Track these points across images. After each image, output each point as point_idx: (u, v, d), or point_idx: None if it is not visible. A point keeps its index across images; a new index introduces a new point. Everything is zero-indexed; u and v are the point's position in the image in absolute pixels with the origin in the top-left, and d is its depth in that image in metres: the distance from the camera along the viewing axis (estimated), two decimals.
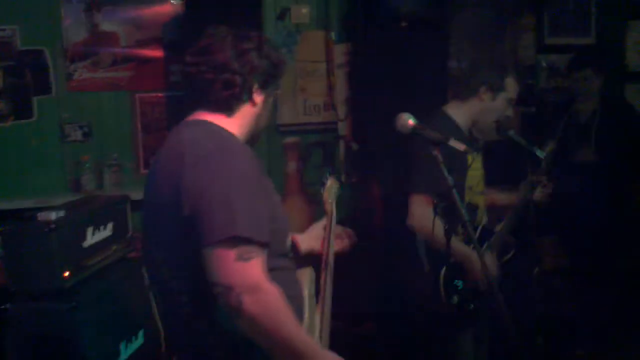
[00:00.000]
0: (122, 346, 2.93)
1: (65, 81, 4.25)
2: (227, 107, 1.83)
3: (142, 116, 4.39)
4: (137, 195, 3.81)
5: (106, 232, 3.09)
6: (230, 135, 1.82)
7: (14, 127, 4.16)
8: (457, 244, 2.78)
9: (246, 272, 1.58)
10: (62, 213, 2.79)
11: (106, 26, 4.30)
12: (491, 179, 3.22)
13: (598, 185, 4.02)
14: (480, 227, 2.96)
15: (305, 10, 4.54)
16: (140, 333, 3.09)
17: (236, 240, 1.58)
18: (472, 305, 2.79)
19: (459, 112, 2.98)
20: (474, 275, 2.76)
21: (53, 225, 2.70)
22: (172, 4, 4.35)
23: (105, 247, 3.06)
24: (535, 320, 2.80)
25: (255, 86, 1.86)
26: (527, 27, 4.87)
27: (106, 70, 4.33)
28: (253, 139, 1.95)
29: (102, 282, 2.94)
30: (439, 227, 2.65)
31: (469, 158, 2.89)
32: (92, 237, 2.96)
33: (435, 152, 2.38)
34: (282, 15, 4.49)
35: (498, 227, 3.02)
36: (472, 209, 3.01)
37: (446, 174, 2.37)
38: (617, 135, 4.03)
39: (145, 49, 4.39)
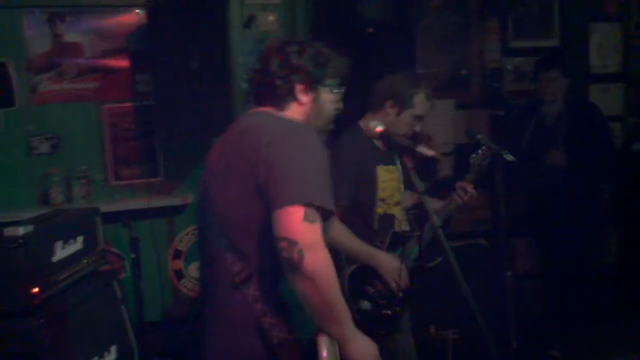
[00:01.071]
0: None
1: (30, 93, 4.17)
2: (275, 105, 2.05)
3: (110, 127, 4.33)
4: (107, 207, 3.80)
5: (76, 245, 3.05)
6: (296, 119, 2.03)
7: None
8: (363, 249, 2.86)
9: (311, 231, 1.74)
10: (30, 228, 2.74)
11: (70, 37, 4.24)
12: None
13: (567, 187, 4.08)
14: (389, 236, 2.99)
15: (272, 17, 4.52)
16: (113, 348, 3.05)
17: (306, 204, 1.75)
18: (390, 312, 2.83)
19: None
20: (387, 280, 2.86)
21: (21, 241, 2.65)
22: (136, 13, 4.31)
23: (76, 261, 3.02)
24: (509, 322, 2.82)
25: (300, 86, 2.04)
26: (492, 31, 4.93)
27: (71, 82, 4.26)
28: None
29: (73, 297, 2.89)
30: (342, 234, 2.79)
31: (378, 171, 2.95)
32: (61, 252, 2.92)
33: (404, 159, 2.40)
34: (249, 22, 4.48)
35: (417, 233, 3.06)
36: (388, 219, 3.04)
37: (416, 179, 2.39)
38: (584, 136, 4.09)
39: (110, 59, 4.33)
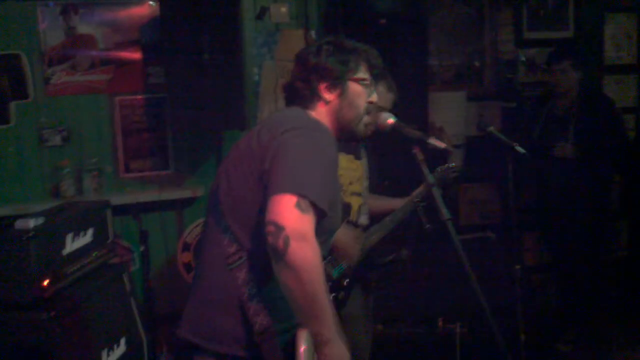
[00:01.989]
0: (103, 354, 2.91)
1: (43, 85, 4.19)
2: (302, 104, 2.07)
3: (122, 119, 4.35)
4: (117, 200, 3.82)
5: (86, 238, 3.07)
6: (317, 119, 2.03)
7: None
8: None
9: (300, 220, 1.71)
10: (40, 220, 2.76)
11: (83, 29, 4.26)
12: (472, 174, 3.23)
13: (578, 179, 4.04)
14: (345, 222, 2.95)
15: (284, 9, 4.52)
16: (122, 341, 3.07)
17: (300, 195, 1.73)
18: (334, 294, 2.84)
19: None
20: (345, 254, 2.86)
21: (31, 233, 2.68)
22: (149, 5, 4.32)
23: (86, 254, 3.04)
24: (518, 315, 2.81)
25: (322, 85, 2.05)
26: (506, 22, 4.88)
27: (84, 74, 4.28)
28: (345, 133, 2.13)
29: (83, 290, 2.92)
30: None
31: (340, 158, 2.94)
32: (72, 244, 2.94)
33: (415, 150, 2.39)
34: (261, 14, 4.47)
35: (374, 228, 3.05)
36: (344, 207, 2.98)
37: (426, 172, 2.38)
38: (596, 128, 4.05)
39: (123, 51, 4.34)
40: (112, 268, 3.25)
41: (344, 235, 2.85)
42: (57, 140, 4.20)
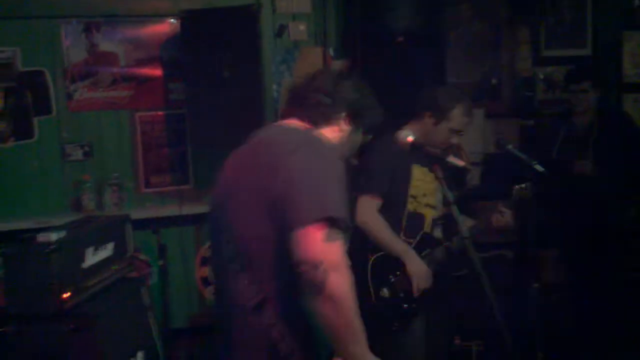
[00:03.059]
0: None
1: (66, 101, 4.27)
2: (313, 121, 2.04)
3: (142, 135, 4.40)
4: (137, 214, 3.86)
5: (106, 252, 3.10)
6: (317, 134, 2.02)
7: (15, 147, 4.18)
8: (399, 246, 3.01)
9: (333, 251, 1.71)
10: (62, 234, 2.80)
11: (105, 46, 4.33)
12: (490, 192, 3.23)
13: (597, 198, 4.02)
14: (418, 238, 3.10)
15: (303, 26, 4.56)
16: (140, 354, 3.09)
17: (326, 222, 1.71)
18: (406, 306, 2.87)
19: (413, 132, 3.03)
20: (411, 279, 2.98)
21: (53, 246, 2.71)
22: (170, 23, 4.38)
23: (106, 268, 3.07)
24: (535, 335, 2.79)
25: (344, 114, 2.06)
26: (523, 40, 4.89)
27: (106, 90, 4.35)
28: None
29: (102, 303, 2.94)
30: (383, 227, 2.98)
31: (414, 169, 3.07)
32: (92, 258, 2.97)
33: (434, 168, 2.41)
34: (280, 32, 4.52)
35: (448, 243, 3.10)
36: (417, 218, 3.11)
37: (446, 189, 2.39)
38: (616, 146, 4.03)
39: (144, 67, 4.41)
40: (130, 282, 3.27)
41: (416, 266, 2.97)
42: (79, 155, 4.26)
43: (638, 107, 4.83)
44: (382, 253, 3.03)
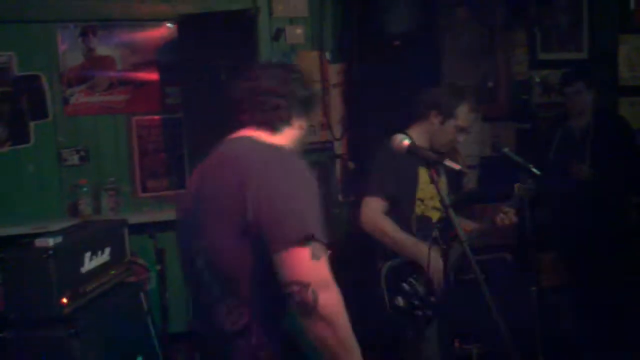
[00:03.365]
0: None
1: (62, 106, 4.26)
2: (272, 127, 1.98)
3: (139, 139, 4.40)
4: (134, 219, 3.85)
5: (104, 257, 3.09)
6: (283, 146, 1.96)
7: (11, 152, 4.17)
8: (409, 240, 2.96)
9: (320, 270, 1.68)
10: (59, 239, 2.79)
11: (102, 50, 4.33)
12: (487, 195, 3.24)
13: (595, 201, 4.03)
14: (432, 238, 3.01)
15: (299, 30, 4.57)
16: (139, 359, 3.08)
17: (308, 240, 1.67)
18: (421, 313, 2.86)
19: (417, 133, 3.09)
20: (429, 270, 2.88)
21: (51, 252, 2.70)
22: (167, 27, 4.38)
23: (104, 272, 3.06)
24: (535, 337, 2.79)
25: (297, 112, 2.03)
26: (519, 43, 4.91)
27: (102, 94, 4.34)
28: None
29: (101, 308, 2.94)
30: (388, 226, 2.93)
31: (420, 171, 3.04)
32: (90, 263, 2.96)
33: (431, 172, 2.40)
34: (277, 35, 4.52)
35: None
36: (424, 221, 3.10)
37: (443, 194, 2.39)
38: (612, 149, 4.04)
39: (141, 72, 4.41)
40: (129, 286, 3.26)
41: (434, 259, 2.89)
42: (75, 159, 4.26)
43: (634, 110, 4.86)
44: (393, 261, 2.96)
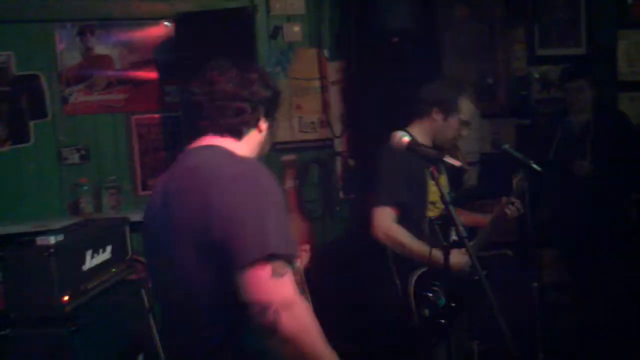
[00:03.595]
0: None
1: (61, 105, 4.26)
2: (237, 133, 1.90)
3: (138, 138, 4.40)
4: (135, 217, 3.83)
5: (105, 255, 3.10)
6: (248, 157, 1.89)
7: (11, 152, 4.17)
8: (424, 248, 2.86)
9: (281, 288, 1.63)
10: (60, 237, 2.79)
11: (100, 49, 4.33)
12: (487, 192, 3.24)
13: (595, 197, 4.03)
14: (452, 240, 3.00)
15: (297, 28, 4.56)
16: (140, 357, 3.09)
17: (270, 258, 1.62)
18: (444, 321, 2.83)
19: (419, 131, 3.04)
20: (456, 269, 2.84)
21: (52, 250, 2.70)
22: (165, 25, 4.38)
23: (105, 270, 3.07)
24: (536, 334, 2.80)
25: (261, 114, 1.95)
26: (518, 39, 4.90)
27: (101, 93, 4.34)
28: None
29: (102, 306, 2.94)
30: (403, 235, 2.84)
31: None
32: (91, 261, 2.97)
33: (431, 169, 2.40)
34: (275, 33, 4.52)
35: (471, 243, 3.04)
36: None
37: (443, 190, 2.39)
38: (612, 145, 4.04)
39: (139, 70, 4.41)
40: (130, 284, 3.27)
41: (456, 257, 2.84)
42: (75, 158, 4.26)
43: (633, 106, 4.85)
44: (422, 270, 2.91)
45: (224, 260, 1.65)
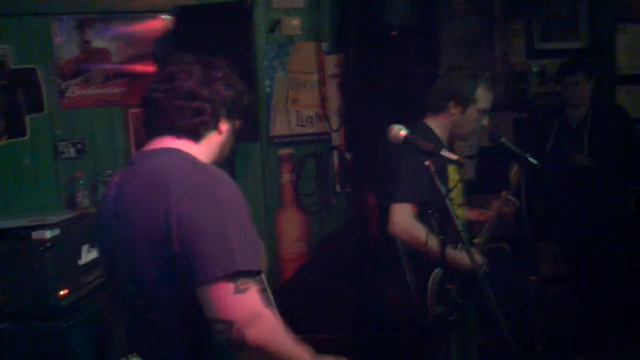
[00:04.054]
0: None
1: (58, 98, 4.25)
2: (195, 135, 1.79)
3: (135, 131, 4.39)
4: None
5: None
6: (209, 164, 1.78)
7: (7, 145, 4.15)
8: (448, 249, 2.77)
9: (245, 304, 1.56)
10: (57, 231, 2.78)
11: (97, 43, 4.31)
12: (485, 186, 3.24)
13: (593, 190, 4.03)
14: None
15: (296, 21, 4.55)
16: None
17: (234, 275, 1.56)
18: (453, 316, 2.82)
19: (436, 125, 3.01)
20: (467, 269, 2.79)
21: (48, 244, 2.69)
22: (162, 19, 4.36)
23: (101, 265, 3.05)
24: (534, 327, 2.79)
25: (222, 115, 1.82)
26: (517, 33, 4.90)
27: (98, 87, 4.33)
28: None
29: (99, 300, 2.93)
30: (422, 232, 2.76)
31: (449, 170, 2.94)
32: (87, 255, 2.96)
33: (428, 163, 2.39)
34: (273, 27, 4.51)
35: (475, 241, 3.05)
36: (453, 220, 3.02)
37: (439, 184, 2.38)
38: (610, 139, 4.04)
39: (136, 64, 4.39)
40: None
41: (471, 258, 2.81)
42: (72, 152, 4.25)
43: (632, 99, 4.85)
44: (439, 270, 2.85)
45: (185, 274, 1.58)
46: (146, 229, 1.64)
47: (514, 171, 3.00)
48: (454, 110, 2.96)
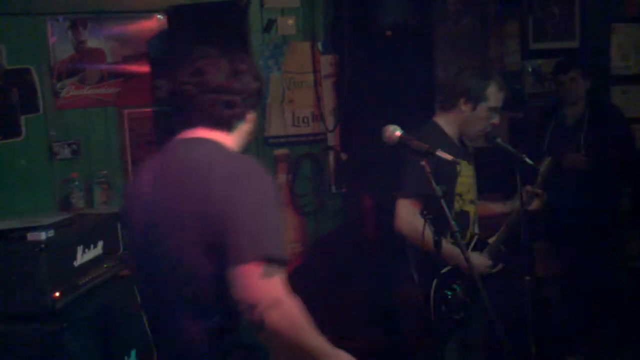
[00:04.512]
0: None
1: (53, 99, 4.23)
2: (229, 126, 1.90)
3: (130, 132, 4.38)
4: None
5: (97, 250, 3.08)
6: (244, 155, 1.90)
7: (2, 146, 4.14)
8: (447, 246, 2.82)
9: (268, 289, 1.64)
10: (51, 232, 2.77)
11: (92, 43, 4.30)
12: (481, 186, 3.24)
13: (588, 190, 4.04)
14: (475, 239, 3.02)
15: (291, 21, 4.55)
16: (133, 353, 3.07)
17: (263, 260, 1.64)
18: (459, 315, 2.82)
19: (446, 122, 3.01)
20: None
21: (43, 245, 2.68)
22: (157, 19, 4.35)
23: (96, 266, 3.04)
24: (528, 327, 2.80)
25: (250, 106, 1.95)
26: (512, 33, 4.90)
27: (93, 87, 4.32)
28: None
29: (94, 302, 2.92)
30: (428, 229, 2.71)
31: (458, 166, 2.93)
32: (82, 256, 2.95)
33: (423, 163, 2.39)
34: (269, 27, 4.51)
35: (492, 239, 3.03)
36: (463, 216, 3.03)
37: (434, 184, 2.38)
38: (605, 138, 4.05)
39: (131, 64, 4.38)
40: (122, 280, 3.24)
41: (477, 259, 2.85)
42: (66, 153, 4.24)
43: (626, 99, 4.86)
44: (447, 268, 2.90)
45: (219, 255, 1.68)
46: (186, 211, 1.73)
47: (546, 163, 3.00)
48: (464, 107, 2.97)
